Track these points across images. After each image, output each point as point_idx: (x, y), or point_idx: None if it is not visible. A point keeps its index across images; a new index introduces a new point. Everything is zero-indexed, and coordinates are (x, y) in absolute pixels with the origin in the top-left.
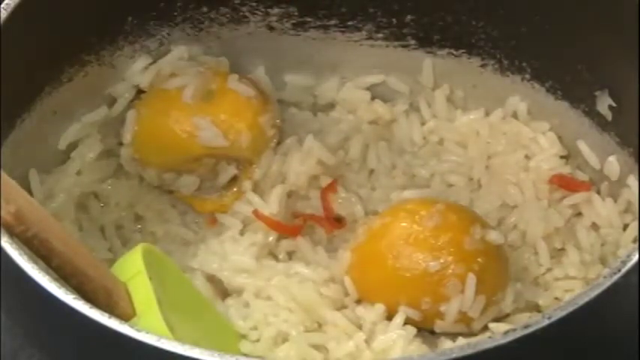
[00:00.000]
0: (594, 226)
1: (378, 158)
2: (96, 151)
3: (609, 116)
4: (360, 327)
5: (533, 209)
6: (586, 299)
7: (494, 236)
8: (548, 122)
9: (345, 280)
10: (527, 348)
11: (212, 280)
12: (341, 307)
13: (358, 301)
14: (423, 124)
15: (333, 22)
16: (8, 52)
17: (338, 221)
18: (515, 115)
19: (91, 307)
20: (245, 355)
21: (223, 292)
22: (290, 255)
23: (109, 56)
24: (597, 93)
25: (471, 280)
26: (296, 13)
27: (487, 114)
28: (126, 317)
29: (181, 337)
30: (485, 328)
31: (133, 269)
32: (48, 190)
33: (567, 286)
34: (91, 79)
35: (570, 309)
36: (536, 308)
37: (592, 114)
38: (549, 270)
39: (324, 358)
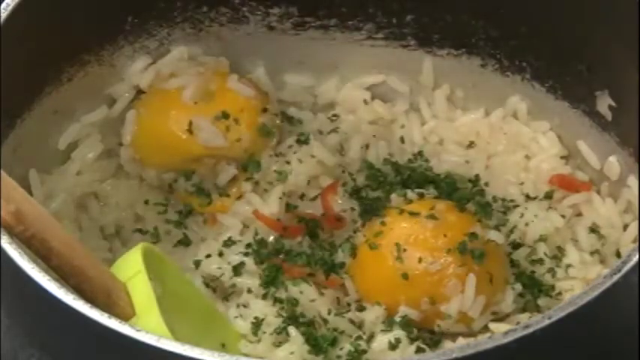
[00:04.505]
0: (594, 226)
1: (378, 158)
2: (96, 151)
3: (609, 116)
4: (360, 327)
5: (533, 209)
6: (586, 299)
7: (494, 236)
8: (548, 122)
9: (345, 280)
10: (527, 348)
11: (212, 280)
12: (341, 307)
13: (358, 301)
14: (423, 124)
15: (333, 22)
16: (8, 52)
17: (338, 221)
18: (515, 115)
19: (91, 307)
20: (245, 355)
21: (223, 292)
22: (290, 255)
23: (109, 56)
24: (597, 93)
25: (471, 280)
26: (296, 13)
27: (487, 114)
28: (125, 317)
29: (181, 337)
30: (486, 328)
31: (132, 269)
32: (48, 190)
33: (567, 286)
34: (91, 79)
35: (570, 309)
36: (536, 308)
37: (592, 114)
38: (549, 270)
39: (324, 358)
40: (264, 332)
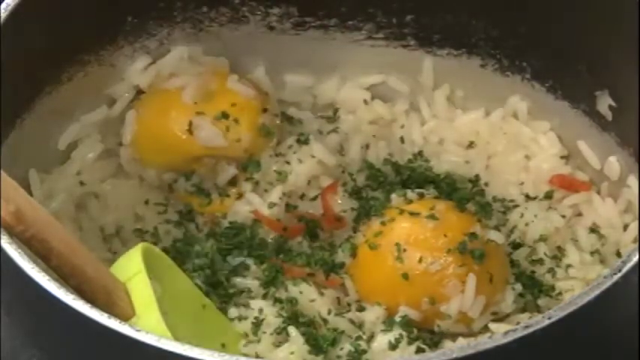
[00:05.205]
0: (594, 226)
1: (378, 158)
2: (96, 151)
3: (609, 116)
4: (360, 327)
5: (533, 209)
6: (586, 299)
7: (494, 236)
8: (548, 122)
9: (345, 280)
10: (527, 348)
11: (212, 279)
12: (341, 307)
13: (358, 301)
14: (423, 124)
15: (333, 22)
16: (8, 52)
17: (338, 221)
18: (515, 115)
19: (91, 307)
20: (245, 355)
21: (223, 292)
22: (290, 255)
23: (109, 56)
24: (597, 93)
25: (471, 280)
26: (296, 13)
27: (487, 114)
28: (125, 317)
29: (181, 337)
30: (486, 328)
31: (132, 269)
32: (48, 190)
33: (567, 286)
34: (91, 79)
35: (570, 309)
36: (536, 308)
37: (592, 114)
38: (549, 270)
39: (324, 358)
40: (264, 332)
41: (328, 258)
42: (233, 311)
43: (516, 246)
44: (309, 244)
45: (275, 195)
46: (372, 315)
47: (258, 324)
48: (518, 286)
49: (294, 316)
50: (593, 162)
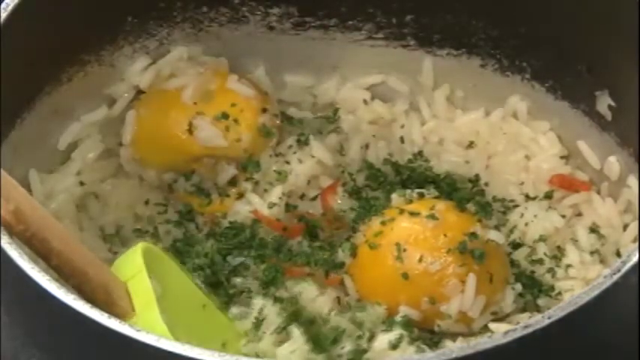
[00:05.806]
0: (594, 226)
1: (378, 158)
2: (96, 151)
3: (609, 116)
4: (360, 327)
5: (533, 209)
6: (586, 299)
7: (494, 236)
8: (548, 122)
9: (345, 279)
10: (527, 348)
11: (212, 279)
12: (341, 307)
13: (358, 301)
14: (423, 124)
15: (333, 22)
16: (8, 52)
17: (338, 221)
18: (515, 115)
19: (91, 307)
20: (245, 355)
21: (223, 292)
22: (290, 255)
23: (109, 56)
24: (597, 93)
25: (471, 280)
26: (296, 13)
27: (487, 114)
28: (125, 317)
29: (181, 337)
30: (486, 328)
31: (133, 268)
32: (48, 190)
33: (567, 286)
34: (91, 79)
35: (570, 309)
36: (536, 308)
37: (592, 114)
38: (549, 270)
39: (324, 357)
40: (265, 331)
41: (328, 258)
42: (234, 310)
43: (516, 246)
44: (309, 244)
45: (275, 195)
46: (373, 315)
47: (258, 323)
48: (518, 286)
49: (295, 316)
50: (593, 162)
